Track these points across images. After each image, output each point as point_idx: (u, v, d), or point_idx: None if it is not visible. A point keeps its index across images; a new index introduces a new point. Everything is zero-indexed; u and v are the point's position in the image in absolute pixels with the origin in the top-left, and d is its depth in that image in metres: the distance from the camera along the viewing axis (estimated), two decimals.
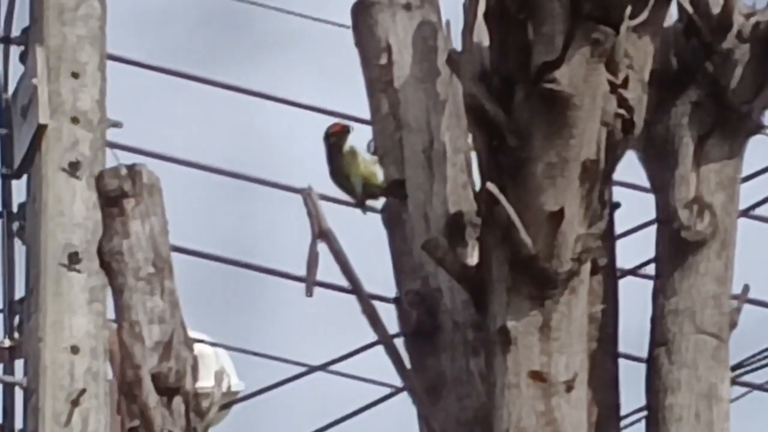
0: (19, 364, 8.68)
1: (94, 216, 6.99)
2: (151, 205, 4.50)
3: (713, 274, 4.58)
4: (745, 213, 7.11)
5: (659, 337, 4.44)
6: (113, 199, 4.47)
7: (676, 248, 4.61)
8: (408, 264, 4.74)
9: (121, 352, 4.56)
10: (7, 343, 8.63)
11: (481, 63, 4.45)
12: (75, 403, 8.24)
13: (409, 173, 4.70)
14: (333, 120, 6.28)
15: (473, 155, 4.80)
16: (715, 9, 4.65)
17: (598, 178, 4.28)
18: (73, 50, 8.75)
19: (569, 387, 4.11)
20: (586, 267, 4.33)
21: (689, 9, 4.70)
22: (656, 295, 4.48)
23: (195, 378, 4.42)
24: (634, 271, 5.96)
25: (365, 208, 5.05)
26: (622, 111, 4.32)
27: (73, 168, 8.09)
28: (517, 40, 4.24)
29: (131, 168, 4.52)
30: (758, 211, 8.96)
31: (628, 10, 4.22)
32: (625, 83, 4.34)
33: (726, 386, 4.54)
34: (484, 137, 4.41)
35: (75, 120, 8.10)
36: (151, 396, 4.29)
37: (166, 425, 4.27)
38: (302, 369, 9.25)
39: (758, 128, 4.76)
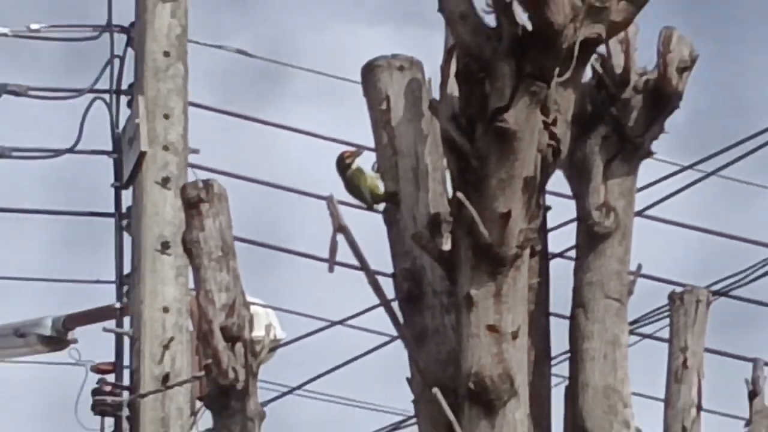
0: (127, 320, 8.59)
1: (179, 216, 6.87)
2: (220, 208, 4.58)
3: (616, 256, 4.62)
4: (639, 214, 7.08)
5: (578, 301, 4.52)
6: (193, 203, 4.58)
7: (590, 238, 4.64)
8: (401, 249, 4.64)
9: (199, 311, 4.56)
10: (118, 305, 8.75)
11: (453, 108, 4.37)
12: (166, 347, 8.40)
13: (401, 186, 4.63)
14: (348, 148, 6.36)
15: (447, 173, 4.98)
16: (618, 70, 4.66)
17: (535, 189, 4.20)
18: (165, 99, 8.71)
19: (515, 336, 4.06)
20: (527, 252, 4.26)
21: (599, 69, 4.69)
22: (576, 271, 4.55)
23: (251, 329, 4.48)
24: (561, 255, 5.83)
25: (372, 210, 5.05)
26: (552, 142, 4.25)
27: (165, 182, 8.28)
28: (478, 92, 4.16)
29: (206, 182, 4.66)
30: (649, 213, 8.99)
31: (557, 70, 4.11)
32: (554, 122, 4.25)
33: (625, 336, 4.66)
34: (455, 160, 4.36)
35: (166, 148, 8.24)
36: (220, 343, 4.33)
37: (230, 363, 4.32)
38: (326, 323, 8.99)
39: (648, 154, 4.76)
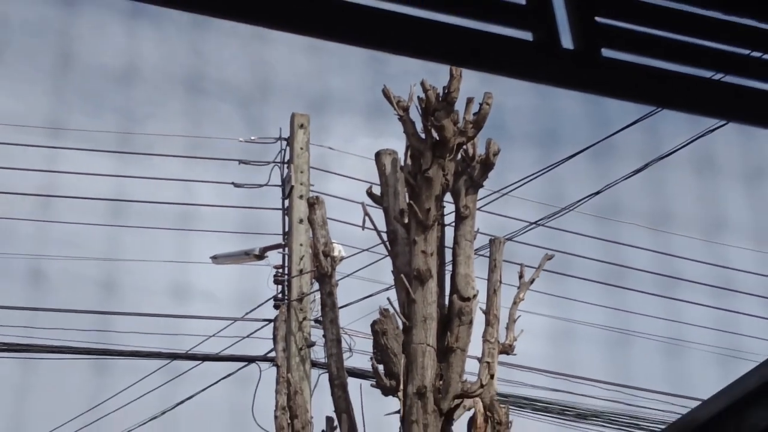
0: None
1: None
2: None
3: (471, 232, 7.17)
4: (479, 209, 8.83)
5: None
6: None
7: (461, 219, 6.91)
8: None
9: (317, 252, 7.17)
10: (284, 243, 10.70)
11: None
12: (301, 259, 10.30)
13: (387, 198, 6.97)
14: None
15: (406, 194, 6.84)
16: (470, 153, 6.75)
17: (440, 199, 6.60)
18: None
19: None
20: (435, 224, 6.64)
21: (463, 154, 6.65)
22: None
23: (334, 251, 6.91)
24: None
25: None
26: (445, 181, 6.49)
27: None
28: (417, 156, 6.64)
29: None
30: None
31: (448, 156, 6.34)
32: (446, 174, 6.47)
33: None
34: (410, 187, 6.76)
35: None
36: (323, 261, 6.82)
37: (327, 264, 6.79)
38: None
39: (481, 186, 6.90)
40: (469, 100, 6.54)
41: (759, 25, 2.14)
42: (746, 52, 2.16)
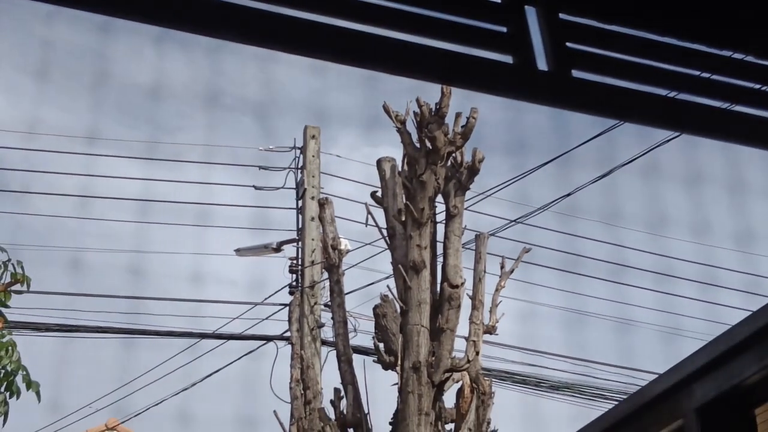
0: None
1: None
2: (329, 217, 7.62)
3: (459, 229, 7.53)
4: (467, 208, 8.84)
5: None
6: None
7: (450, 217, 6.75)
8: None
9: (327, 246, 7.43)
10: (298, 237, 10.57)
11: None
12: (314, 251, 10.10)
13: (386, 198, 6.88)
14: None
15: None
16: (459, 160, 6.70)
17: (433, 200, 6.53)
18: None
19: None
20: (429, 220, 6.65)
21: (452, 160, 6.61)
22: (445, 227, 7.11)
23: (341, 244, 6.92)
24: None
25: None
26: (437, 184, 6.47)
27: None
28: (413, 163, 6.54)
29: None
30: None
31: (440, 162, 6.42)
32: (438, 178, 6.48)
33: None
34: (406, 190, 6.77)
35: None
36: (330, 249, 6.91)
37: (334, 255, 6.73)
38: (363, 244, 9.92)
39: (468, 188, 6.90)
40: (458, 115, 6.55)
41: (707, 50, 2.15)
42: (696, 73, 2.17)
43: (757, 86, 2.16)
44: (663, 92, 2.15)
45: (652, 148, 8.11)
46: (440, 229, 6.78)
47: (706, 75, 2.17)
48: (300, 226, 10.45)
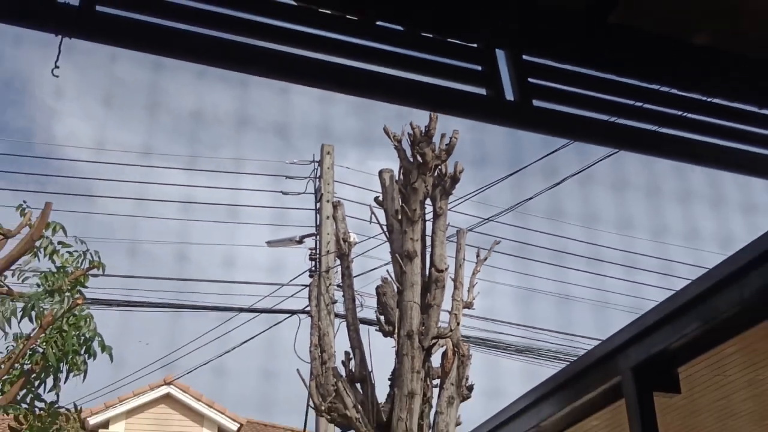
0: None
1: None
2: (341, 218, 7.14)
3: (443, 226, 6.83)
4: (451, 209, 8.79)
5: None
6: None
7: (436, 216, 6.62)
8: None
9: (340, 245, 7.44)
10: (316, 232, 10.15)
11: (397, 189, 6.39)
12: (328, 244, 9.67)
13: (385, 202, 6.59)
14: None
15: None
16: (443, 171, 6.40)
17: (423, 202, 6.36)
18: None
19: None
20: (421, 218, 6.39)
21: (437, 172, 6.39)
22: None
23: (350, 238, 6.78)
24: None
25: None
26: (426, 190, 6.30)
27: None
28: (406, 174, 6.44)
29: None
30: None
31: (428, 174, 6.30)
32: (426, 186, 6.32)
33: None
34: (402, 195, 6.39)
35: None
36: (342, 240, 6.67)
37: (346, 245, 6.56)
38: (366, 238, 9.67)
39: (450, 192, 6.56)
40: (443, 135, 6.48)
41: (639, 84, 2.16)
42: (631, 102, 2.17)
43: (679, 113, 2.17)
44: (605, 117, 2.15)
45: (594, 164, 8.34)
46: (429, 225, 6.69)
47: (638, 104, 2.17)
48: (318, 223, 10.38)
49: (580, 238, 12.17)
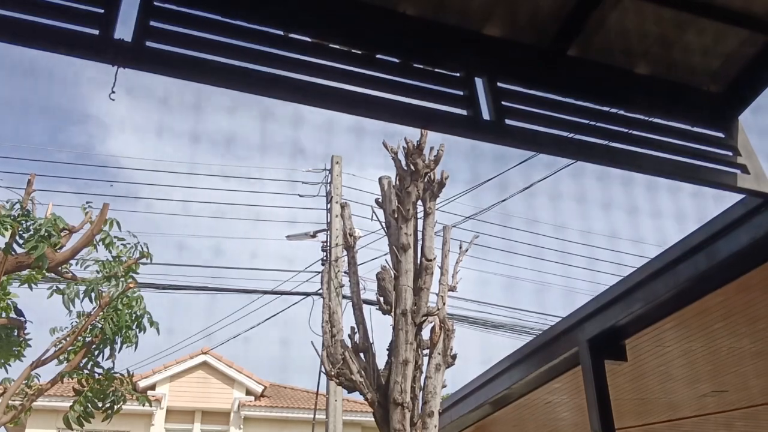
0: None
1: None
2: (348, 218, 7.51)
3: (433, 223, 6.47)
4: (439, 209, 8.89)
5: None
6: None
7: (426, 215, 6.17)
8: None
9: (347, 242, 7.34)
10: (327, 228, 10.01)
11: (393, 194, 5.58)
12: (337, 242, 9.45)
13: (384, 202, 5.75)
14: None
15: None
16: (432, 177, 5.73)
17: (414, 204, 6.09)
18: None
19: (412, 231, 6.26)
20: (414, 216, 6.12)
21: (427, 178, 5.68)
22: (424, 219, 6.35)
23: (355, 233, 6.47)
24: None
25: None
26: (417, 194, 5.67)
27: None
28: (402, 178, 6.11)
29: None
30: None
31: (419, 179, 6.08)
32: (418, 190, 5.62)
33: None
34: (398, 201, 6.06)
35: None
36: (349, 234, 6.63)
37: (352, 236, 6.28)
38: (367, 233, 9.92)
39: (437, 196, 6.28)
40: (432, 148, 6.33)
41: (593, 106, 2.18)
42: (586, 121, 2.19)
43: (625, 130, 2.18)
44: (565, 133, 2.16)
45: (557, 171, 8.30)
46: (420, 223, 6.51)
47: (592, 122, 2.18)
48: (328, 221, 10.26)
49: (549, 233, 12.46)
